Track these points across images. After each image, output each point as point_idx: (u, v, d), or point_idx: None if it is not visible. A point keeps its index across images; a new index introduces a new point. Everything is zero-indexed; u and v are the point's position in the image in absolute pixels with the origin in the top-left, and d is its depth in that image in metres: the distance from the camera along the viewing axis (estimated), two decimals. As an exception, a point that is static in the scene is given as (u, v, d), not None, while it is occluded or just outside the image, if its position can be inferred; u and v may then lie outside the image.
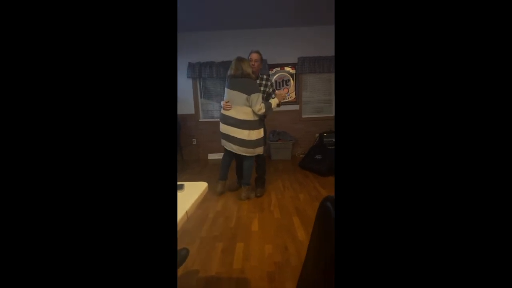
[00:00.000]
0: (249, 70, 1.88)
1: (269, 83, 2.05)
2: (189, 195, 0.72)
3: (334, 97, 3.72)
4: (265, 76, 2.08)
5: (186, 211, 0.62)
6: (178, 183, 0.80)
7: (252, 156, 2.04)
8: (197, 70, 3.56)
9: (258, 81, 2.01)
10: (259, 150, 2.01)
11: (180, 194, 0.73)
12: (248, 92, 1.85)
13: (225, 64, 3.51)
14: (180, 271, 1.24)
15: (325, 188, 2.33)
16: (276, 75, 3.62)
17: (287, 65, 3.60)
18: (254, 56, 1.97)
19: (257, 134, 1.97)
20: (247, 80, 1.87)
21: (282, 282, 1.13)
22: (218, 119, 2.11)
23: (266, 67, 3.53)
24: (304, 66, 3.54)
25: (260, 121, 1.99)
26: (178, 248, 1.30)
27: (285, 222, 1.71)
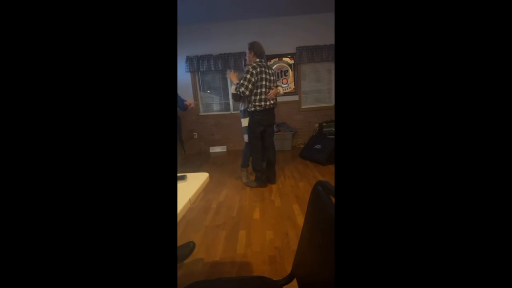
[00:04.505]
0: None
1: (248, 69, 2.01)
2: (192, 184, 0.77)
3: (333, 86, 3.72)
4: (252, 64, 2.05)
5: (189, 199, 0.67)
6: (181, 174, 0.85)
7: (248, 143, 2.28)
8: (195, 64, 3.56)
9: None
10: (245, 138, 2.29)
11: (183, 184, 0.78)
12: None
13: (223, 57, 3.51)
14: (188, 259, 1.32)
15: (325, 176, 2.39)
16: (275, 66, 3.60)
17: (285, 55, 3.58)
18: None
19: (244, 122, 2.27)
20: None
21: (283, 264, 1.21)
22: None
23: (264, 57, 3.51)
24: (303, 55, 3.53)
25: (245, 112, 2.22)
26: (186, 241, 1.38)
27: (286, 210, 1.77)
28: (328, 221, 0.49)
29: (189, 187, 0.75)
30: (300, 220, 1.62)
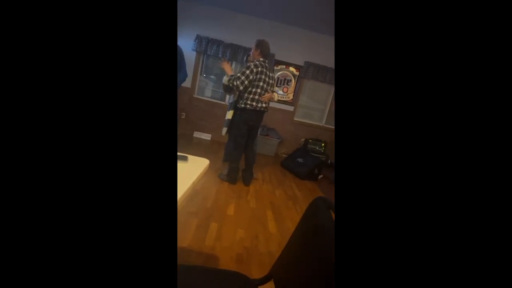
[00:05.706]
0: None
1: (249, 65, 1.93)
2: (194, 168, 0.76)
3: (328, 108, 3.87)
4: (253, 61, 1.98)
5: (193, 182, 0.66)
6: (183, 154, 0.83)
7: (229, 137, 2.26)
8: (204, 45, 3.47)
9: None
10: (224, 131, 2.27)
11: (185, 165, 0.76)
12: None
13: (233, 47, 3.46)
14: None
15: (301, 190, 2.47)
16: (280, 73, 3.65)
17: (292, 65, 3.65)
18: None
19: (228, 114, 2.23)
20: None
21: (249, 265, 1.23)
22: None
23: (272, 61, 3.55)
24: (309, 71, 3.62)
25: (230, 105, 2.22)
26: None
27: (259, 213, 1.80)
28: (324, 234, 0.52)
29: (191, 170, 0.74)
30: (272, 226, 1.66)
